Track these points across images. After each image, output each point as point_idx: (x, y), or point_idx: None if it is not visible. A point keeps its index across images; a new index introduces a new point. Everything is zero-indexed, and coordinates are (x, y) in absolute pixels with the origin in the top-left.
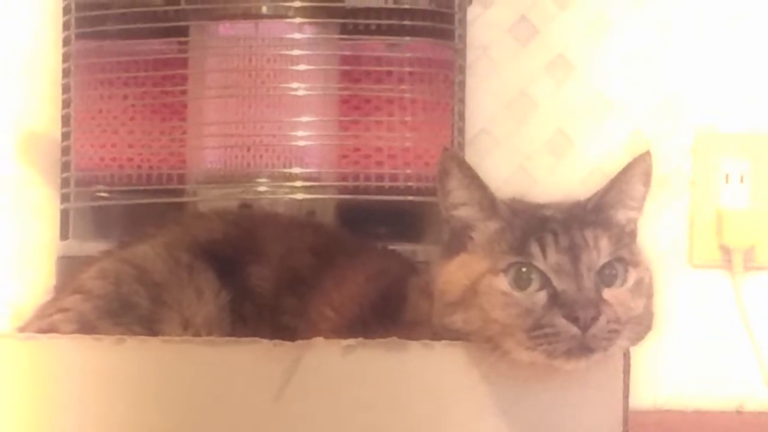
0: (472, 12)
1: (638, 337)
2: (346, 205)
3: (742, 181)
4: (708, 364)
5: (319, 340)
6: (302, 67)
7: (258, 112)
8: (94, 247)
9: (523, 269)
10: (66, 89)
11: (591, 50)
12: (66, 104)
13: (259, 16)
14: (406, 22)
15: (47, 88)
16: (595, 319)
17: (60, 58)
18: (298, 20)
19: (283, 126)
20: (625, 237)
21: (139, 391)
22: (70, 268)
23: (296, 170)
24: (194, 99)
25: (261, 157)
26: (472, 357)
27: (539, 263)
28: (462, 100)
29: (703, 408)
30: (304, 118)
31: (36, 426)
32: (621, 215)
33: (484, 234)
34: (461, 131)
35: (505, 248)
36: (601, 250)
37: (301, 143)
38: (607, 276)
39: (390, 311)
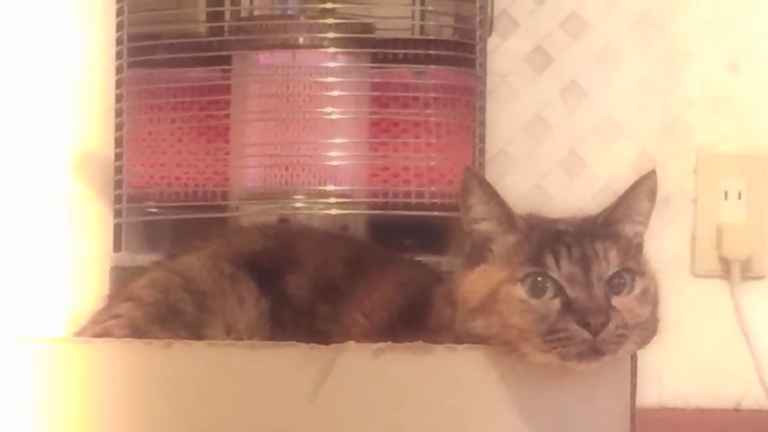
0: (492, 42)
1: (644, 341)
2: (376, 220)
3: (739, 198)
4: (708, 365)
5: (351, 344)
6: (336, 93)
7: (295, 134)
8: (145, 258)
9: (539, 279)
10: (119, 113)
11: (601, 78)
12: (119, 127)
13: (296, 46)
14: (431, 52)
15: (101, 112)
16: (604, 324)
17: (113, 85)
18: (332, 50)
19: (318, 147)
20: (632, 249)
21: (185, 390)
22: (122, 278)
23: (330, 188)
24: (236, 122)
25: (298, 175)
26: (491, 359)
27: (553, 273)
28: (482, 124)
29: (704, 406)
30: (338, 140)
31: (91, 423)
32: (628, 229)
33: (502, 246)
34: (482, 152)
35: (522, 259)
36: (610, 261)
37: (334, 163)
38: (615, 285)
39: (416, 317)
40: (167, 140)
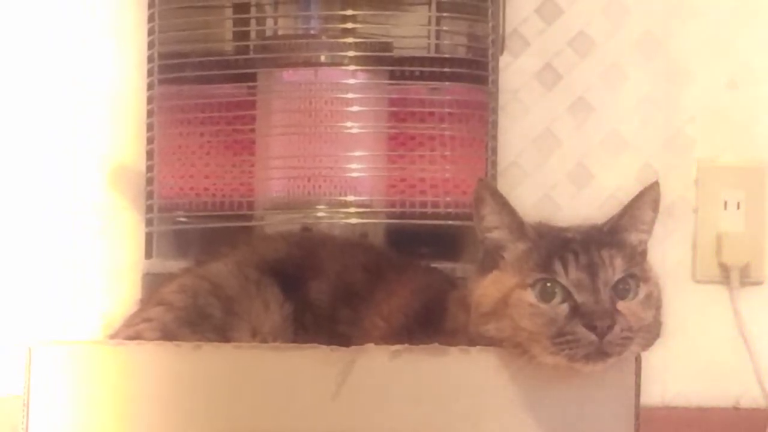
0: (504, 60)
1: (648, 343)
2: (394, 229)
3: (738, 207)
4: (709, 366)
5: (370, 346)
6: (355, 108)
7: (317, 147)
8: (175, 265)
9: (548, 284)
10: (150, 128)
11: (607, 94)
12: (150, 141)
13: (319, 64)
14: (446, 69)
15: (134, 127)
16: (610, 327)
17: (145, 100)
18: (352, 68)
19: (339, 159)
20: (637, 256)
21: (213, 390)
22: (153, 284)
23: (350, 198)
24: (261, 136)
25: (320, 186)
26: (503, 361)
27: (562, 279)
28: (495, 137)
29: (705, 404)
30: (357, 153)
31: (123, 422)
32: (633, 237)
33: (513, 253)
34: (494, 164)
35: (532, 266)
36: (615, 267)
37: (354, 174)
38: (621, 290)
39: (432, 321)
40: (196, 153)
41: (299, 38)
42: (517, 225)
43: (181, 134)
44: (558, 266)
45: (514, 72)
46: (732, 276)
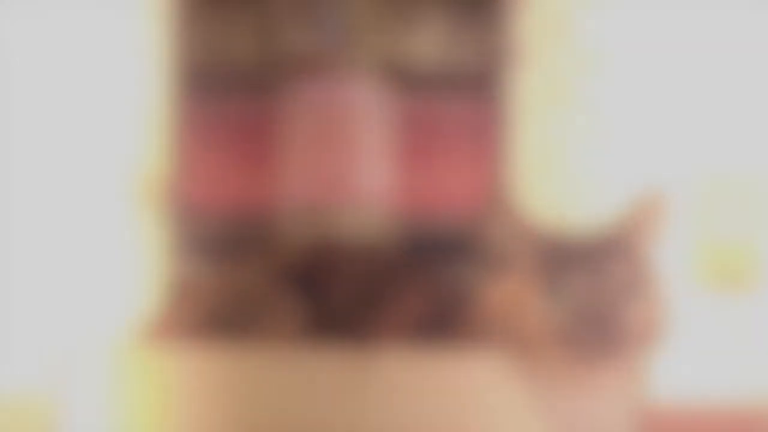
0: (513, 75)
1: (650, 345)
2: (408, 235)
3: (737, 214)
4: (709, 368)
5: (386, 348)
6: (371, 119)
7: (335, 157)
8: (198, 270)
9: (555, 288)
10: (176, 138)
11: (614, 105)
12: (177, 151)
13: (337, 77)
14: (458, 82)
15: (161, 138)
16: (613, 329)
17: (171, 112)
18: (368, 80)
19: (356, 169)
20: (640, 261)
21: (234, 390)
22: (177, 288)
23: (366, 206)
24: (282, 147)
25: (338, 195)
26: (510, 361)
27: (568, 283)
28: (505, 148)
29: (705, 405)
30: (374, 163)
31: (152, 420)
32: (637, 243)
33: (522, 259)
34: (504, 174)
35: (539, 271)
36: (620, 272)
37: (370, 183)
38: (624, 294)
39: (444, 324)
40: (218, 162)
41: (317, 52)
42: (525, 232)
43: (206, 144)
44: (564, 270)
45: (523, 85)
46: (731, 282)
